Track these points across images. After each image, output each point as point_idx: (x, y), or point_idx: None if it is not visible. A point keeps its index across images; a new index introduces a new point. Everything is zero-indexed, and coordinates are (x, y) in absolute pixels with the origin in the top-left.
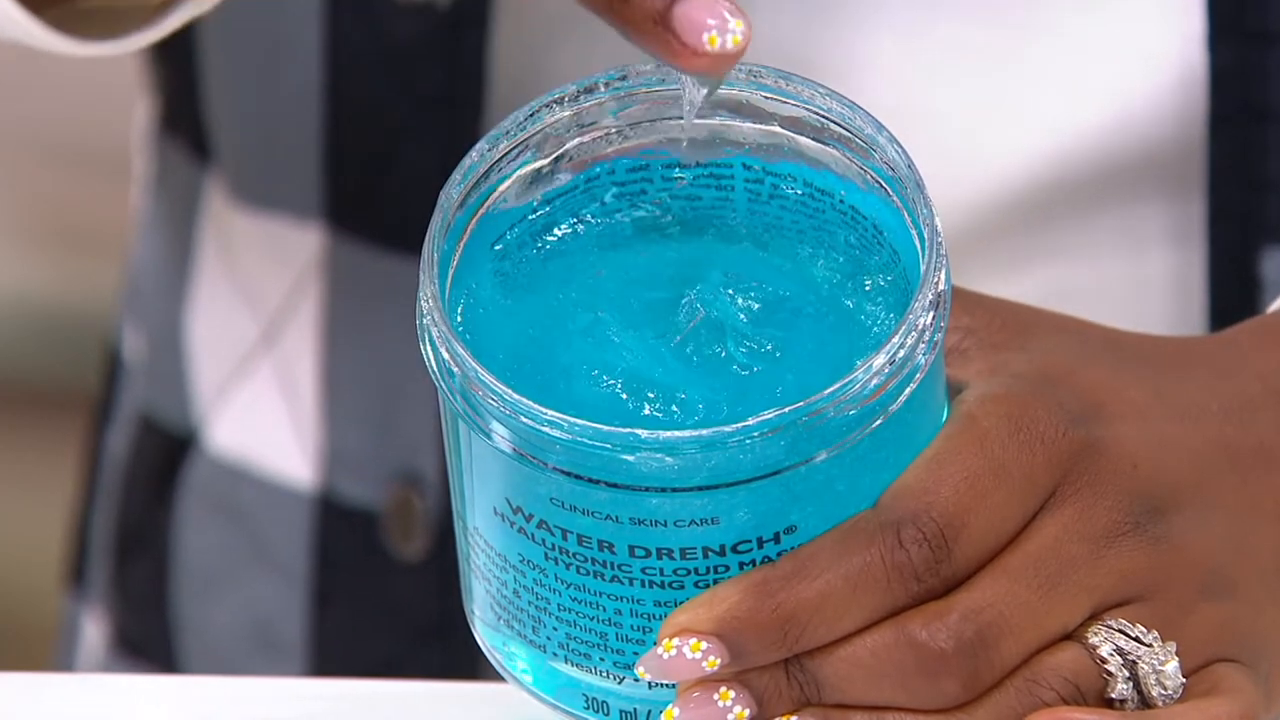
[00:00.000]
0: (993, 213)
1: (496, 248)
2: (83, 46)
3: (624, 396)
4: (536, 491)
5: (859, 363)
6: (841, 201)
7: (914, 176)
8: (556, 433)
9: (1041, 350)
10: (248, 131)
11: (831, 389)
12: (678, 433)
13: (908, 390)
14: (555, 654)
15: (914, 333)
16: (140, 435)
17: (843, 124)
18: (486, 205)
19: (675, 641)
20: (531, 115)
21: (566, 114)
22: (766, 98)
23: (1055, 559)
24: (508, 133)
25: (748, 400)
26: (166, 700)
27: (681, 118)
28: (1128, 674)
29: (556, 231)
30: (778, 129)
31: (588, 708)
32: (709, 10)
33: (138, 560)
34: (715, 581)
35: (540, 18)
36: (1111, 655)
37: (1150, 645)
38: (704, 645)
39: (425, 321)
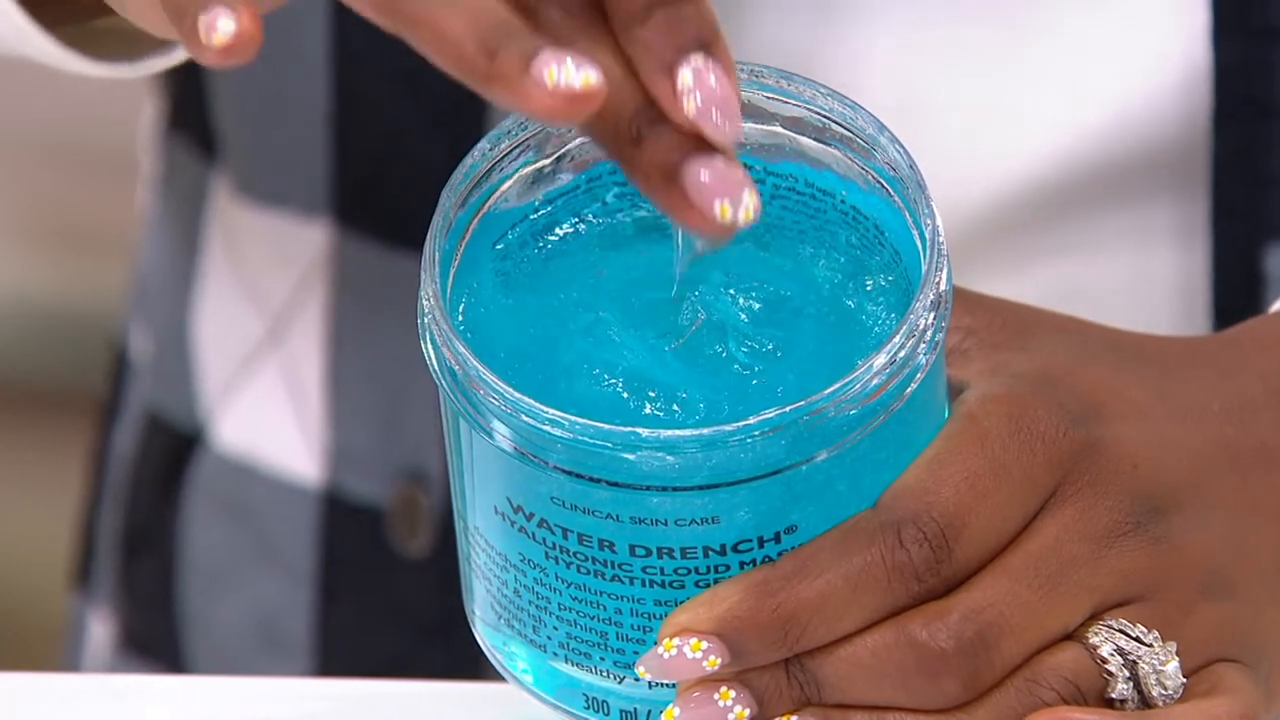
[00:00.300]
0: (996, 212)
1: (498, 247)
2: (97, 67)
3: (625, 396)
4: (537, 490)
5: (860, 362)
6: (843, 202)
7: (915, 177)
8: (557, 431)
9: (1042, 350)
10: (254, 129)
11: (832, 388)
12: (678, 431)
13: (909, 390)
14: (555, 654)
15: (915, 332)
16: (147, 434)
17: (844, 124)
18: (488, 205)
19: (676, 641)
20: None
21: None
22: (768, 98)
23: (1056, 559)
24: (509, 132)
25: (749, 399)
26: (171, 701)
27: None
28: (1128, 674)
29: (558, 231)
30: (779, 129)
31: (588, 707)
32: (724, 179)
33: (144, 559)
34: (716, 581)
35: None
36: (1112, 655)
37: (1151, 645)
38: (704, 645)
39: (426, 320)
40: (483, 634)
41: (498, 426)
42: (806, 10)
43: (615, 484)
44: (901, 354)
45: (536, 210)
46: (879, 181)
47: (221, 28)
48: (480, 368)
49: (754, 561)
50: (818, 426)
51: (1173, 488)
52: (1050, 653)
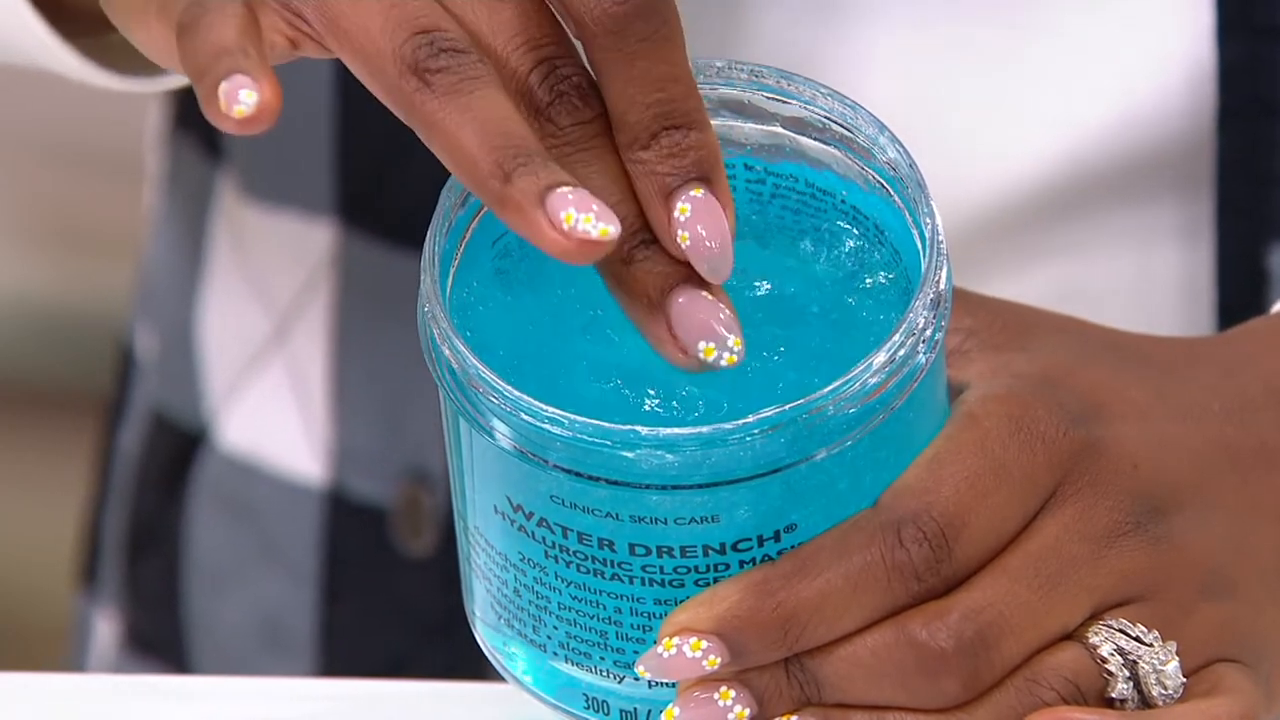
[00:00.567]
0: (998, 212)
1: (497, 246)
2: (116, 81)
3: (625, 394)
4: (537, 489)
5: (860, 361)
6: (843, 201)
7: (915, 176)
8: (557, 430)
9: (1043, 351)
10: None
11: (832, 387)
12: (678, 430)
13: (908, 389)
14: (555, 653)
15: (914, 331)
16: (152, 433)
17: (844, 124)
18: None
19: (675, 640)
20: None
21: None
22: (768, 98)
23: (1056, 559)
24: None
25: (748, 398)
26: (175, 700)
27: None
28: (1128, 674)
29: None
30: (779, 129)
31: (588, 707)
32: (711, 317)
33: (149, 558)
34: (715, 580)
35: None
36: (1112, 655)
37: (1151, 645)
38: (704, 644)
39: (426, 319)
40: (483, 634)
41: (497, 425)
42: (807, 10)
43: (615, 482)
44: (901, 353)
45: None
46: (879, 181)
47: (243, 99)
48: (480, 366)
49: (754, 560)
50: (817, 425)
51: (1173, 488)
52: (1050, 652)
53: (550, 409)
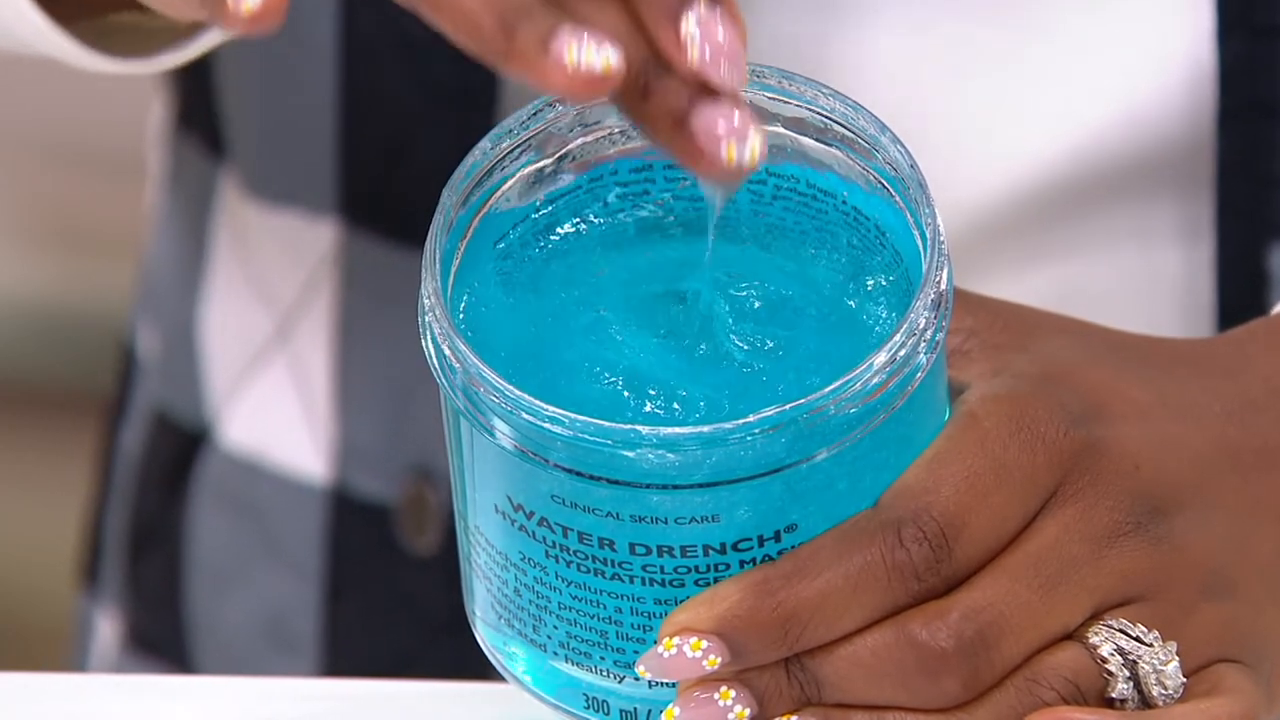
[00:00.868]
0: (999, 212)
1: (499, 246)
2: (112, 64)
3: (625, 394)
4: (538, 489)
5: (860, 361)
6: (844, 202)
7: (916, 177)
8: (558, 429)
9: (1044, 351)
10: (263, 127)
11: (832, 387)
12: (679, 429)
13: (909, 389)
14: (556, 653)
15: (915, 332)
16: (154, 432)
17: (846, 125)
18: (489, 204)
19: (675, 640)
20: (534, 114)
21: (570, 113)
22: (769, 98)
23: (1056, 559)
24: (510, 131)
25: (749, 398)
26: (178, 700)
27: None
28: (1128, 674)
29: (559, 231)
30: (781, 130)
31: (588, 707)
32: (730, 121)
33: (151, 557)
34: (716, 579)
35: None
36: (1112, 655)
37: (1151, 645)
38: (704, 644)
39: (427, 319)
40: (483, 634)
41: (498, 425)
42: (808, 10)
43: (615, 482)
44: (902, 353)
45: (538, 210)
46: (880, 182)
47: None
48: (481, 366)
49: (754, 560)
50: (818, 425)
51: (1174, 488)
52: (1050, 652)
53: (551, 408)
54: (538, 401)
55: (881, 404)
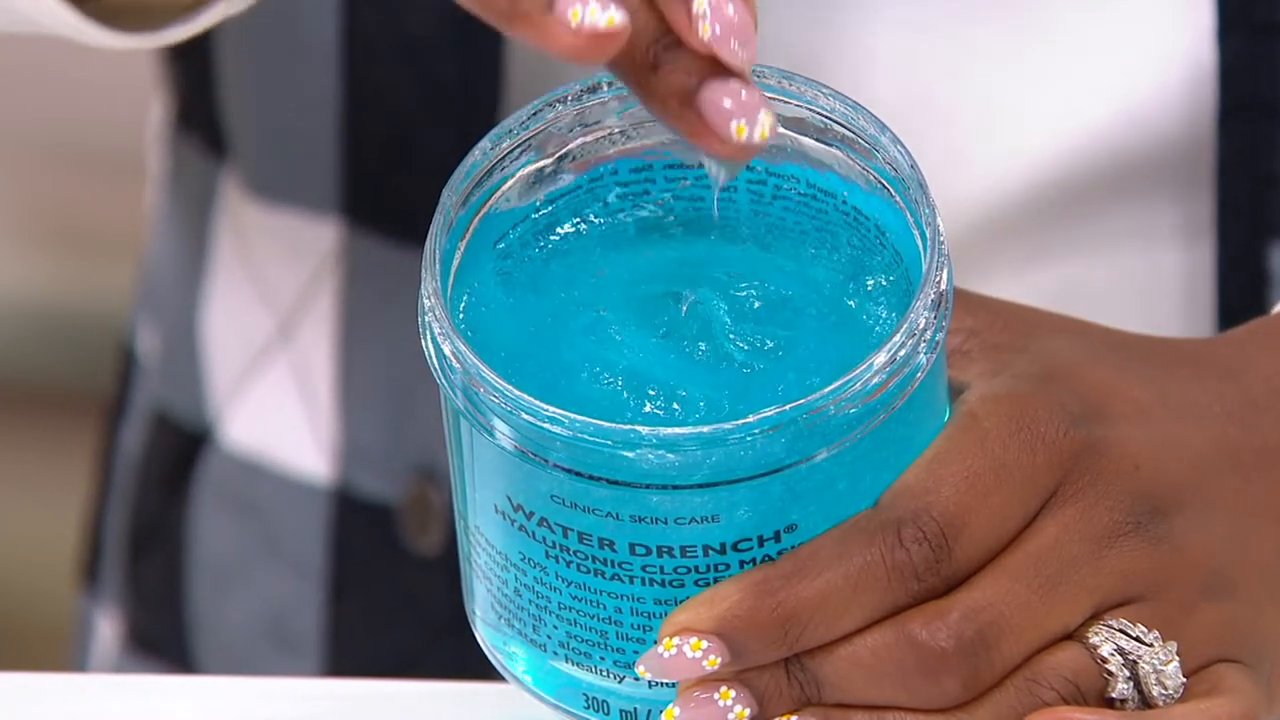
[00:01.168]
0: (1000, 212)
1: (499, 246)
2: (118, 39)
3: (625, 394)
4: (537, 489)
5: (860, 361)
6: (844, 202)
7: (916, 177)
8: (557, 429)
9: (1044, 351)
10: (264, 126)
11: (832, 387)
12: (678, 430)
13: (909, 389)
14: (556, 653)
15: (915, 332)
16: (155, 432)
17: (846, 125)
18: (489, 204)
19: (675, 640)
20: (534, 114)
21: (570, 113)
22: (770, 98)
23: (1056, 559)
24: (510, 131)
25: (749, 398)
26: (179, 700)
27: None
28: (1128, 674)
29: (559, 231)
30: (781, 130)
31: (588, 707)
32: (739, 99)
33: (152, 557)
34: (716, 580)
35: None
36: (1112, 655)
37: (1151, 645)
38: (704, 644)
39: (427, 319)
40: (483, 634)
41: (498, 425)
42: (808, 10)
43: (615, 482)
44: (902, 353)
45: (538, 210)
46: (880, 182)
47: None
48: (481, 366)
49: (754, 560)
50: (818, 425)
51: (1174, 488)
52: (1050, 652)
53: (551, 409)
54: (537, 402)
55: (881, 404)
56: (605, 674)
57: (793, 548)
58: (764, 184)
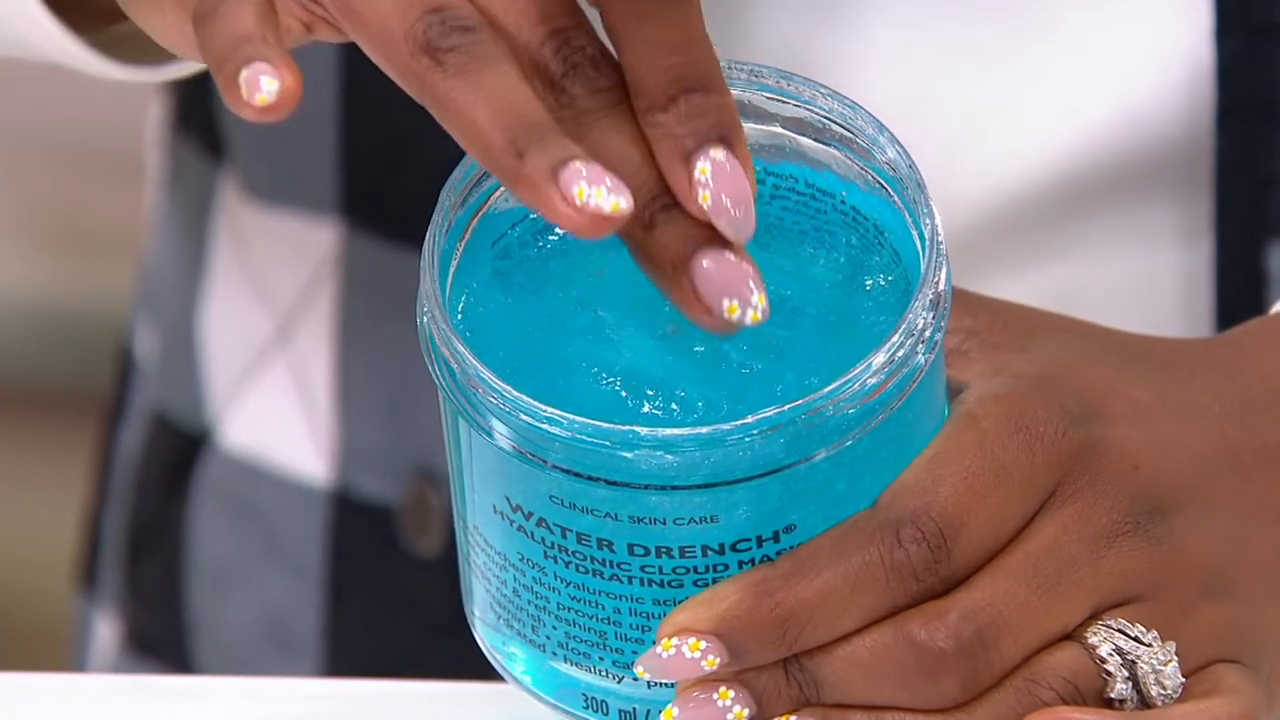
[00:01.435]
0: (998, 212)
1: (497, 246)
2: (121, 71)
3: (623, 394)
4: (536, 489)
5: (859, 362)
6: (843, 202)
7: (915, 176)
8: (556, 430)
9: (1043, 351)
10: (262, 128)
11: (831, 387)
12: (677, 430)
13: (908, 390)
14: (554, 653)
15: (914, 332)
16: (153, 434)
17: (844, 124)
18: (488, 204)
19: (674, 641)
20: None
21: None
22: (768, 98)
23: (1055, 559)
24: None
25: (747, 398)
26: (177, 701)
27: None
28: (1127, 674)
29: (558, 231)
30: (779, 130)
31: (587, 707)
32: (734, 276)
33: (150, 558)
34: (714, 580)
35: None
36: (1111, 655)
37: (1150, 645)
38: (703, 644)
39: (425, 319)
40: (482, 634)
41: (496, 425)
42: (807, 9)
43: (614, 483)
44: (900, 353)
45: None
46: (879, 182)
47: (265, 88)
48: (479, 366)
49: (753, 561)
50: (816, 425)
51: (1173, 488)
52: (1049, 653)
53: (549, 409)
54: (536, 402)
55: (880, 404)
56: (604, 674)
57: (791, 548)
58: (762, 183)
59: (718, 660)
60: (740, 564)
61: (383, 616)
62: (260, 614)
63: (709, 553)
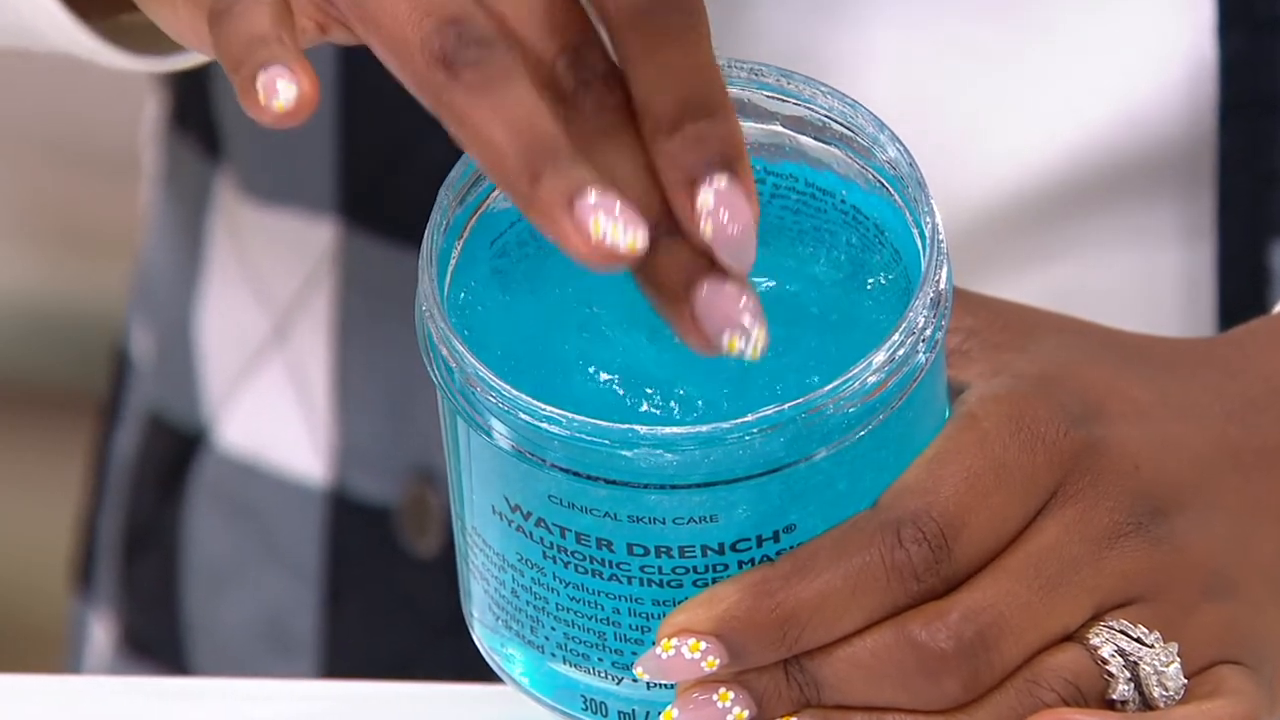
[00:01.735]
0: (999, 211)
1: (496, 245)
2: (130, 60)
3: (623, 393)
4: (535, 489)
5: (859, 361)
6: (843, 201)
7: (916, 175)
8: (555, 429)
9: (1044, 350)
10: (259, 126)
11: (831, 386)
12: (676, 429)
13: (908, 389)
14: (553, 654)
15: (914, 331)
16: (149, 434)
17: (844, 123)
18: (486, 203)
19: (674, 641)
20: None
21: None
22: (768, 97)
23: (1056, 559)
24: None
25: (747, 397)
26: (173, 702)
27: None
28: (1129, 675)
29: None
30: (779, 128)
31: (586, 709)
32: (734, 309)
33: (146, 559)
34: (714, 580)
35: None
36: (1113, 656)
37: (1152, 646)
38: (703, 645)
39: (424, 318)
40: (480, 636)
41: (495, 425)
42: (808, 8)
43: (613, 482)
44: (901, 352)
45: None
46: (879, 180)
47: (282, 92)
48: (478, 365)
49: (752, 561)
50: (817, 424)
51: (1174, 488)
52: (1051, 653)
53: (548, 408)
54: (535, 401)
55: (880, 403)
56: (603, 675)
57: (791, 548)
58: (762, 183)
59: (717, 661)
60: (740, 564)
61: (381, 617)
62: (257, 615)
63: (708, 552)
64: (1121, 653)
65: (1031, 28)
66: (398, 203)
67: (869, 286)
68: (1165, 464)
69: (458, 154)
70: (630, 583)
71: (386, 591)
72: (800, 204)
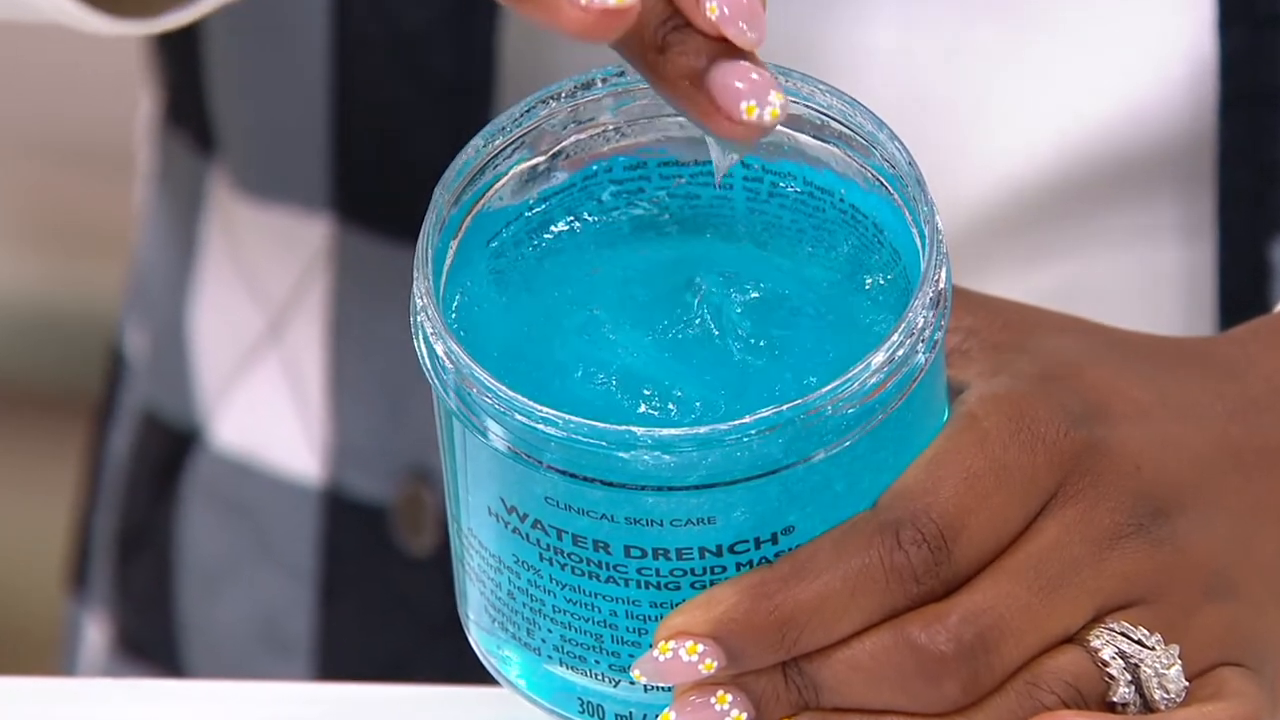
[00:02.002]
0: (999, 209)
1: (492, 245)
2: (116, 25)
3: (620, 394)
4: (531, 491)
5: (858, 361)
6: (842, 200)
7: (915, 174)
8: (551, 430)
9: (1044, 350)
10: (254, 122)
11: (830, 387)
12: (674, 430)
13: (908, 389)
14: (550, 657)
15: (913, 331)
16: (143, 433)
17: (843, 121)
18: (482, 202)
19: (671, 644)
20: (527, 111)
21: (564, 110)
22: None
23: (1056, 561)
24: (503, 129)
25: (745, 398)
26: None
27: (678, 116)
28: (1130, 677)
29: (553, 229)
30: (778, 127)
31: (583, 711)
32: (749, 79)
33: (141, 559)
34: (712, 582)
35: None
36: (1113, 658)
37: (1153, 648)
38: (700, 648)
39: (419, 319)
40: (477, 638)
41: (491, 426)
42: (806, 6)
43: (610, 484)
44: (900, 353)
45: (531, 208)
46: (878, 179)
47: None
48: (474, 366)
49: (751, 563)
50: (815, 426)
51: (1175, 489)
52: (1051, 655)
53: (545, 409)
54: (531, 402)
55: (880, 404)
56: (600, 678)
57: (790, 550)
58: (760, 181)
59: (715, 664)
60: (738, 566)
61: (376, 617)
62: (252, 614)
63: (706, 554)
64: (1122, 655)
65: (1031, 26)
66: (392, 199)
67: (868, 286)
68: (1166, 464)
69: (453, 150)
70: (627, 585)
71: (382, 591)
72: (798, 203)
